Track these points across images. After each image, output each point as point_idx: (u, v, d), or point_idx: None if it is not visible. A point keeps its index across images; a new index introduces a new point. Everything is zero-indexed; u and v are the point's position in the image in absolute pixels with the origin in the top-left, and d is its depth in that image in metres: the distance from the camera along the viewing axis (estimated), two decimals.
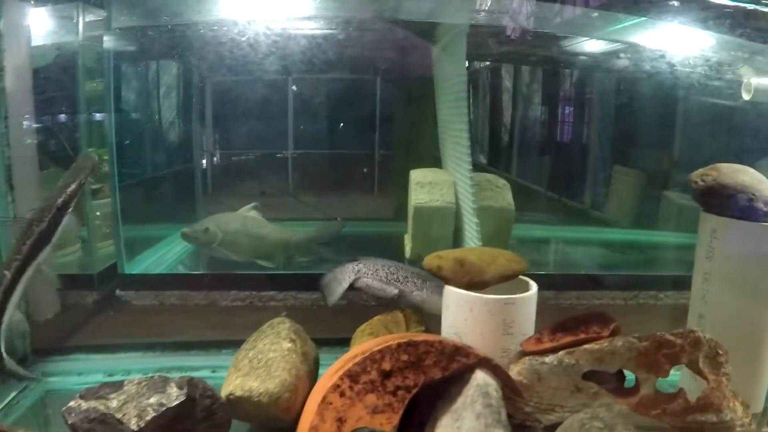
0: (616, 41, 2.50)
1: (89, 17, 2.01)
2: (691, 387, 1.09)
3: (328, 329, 1.50)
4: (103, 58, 1.99)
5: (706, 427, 1.05)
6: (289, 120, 2.94)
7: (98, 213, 2.15)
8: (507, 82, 4.31)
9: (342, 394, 0.97)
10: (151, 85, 2.59)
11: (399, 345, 0.97)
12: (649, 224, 2.89)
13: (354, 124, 3.06)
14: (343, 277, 1.40)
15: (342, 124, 2.97)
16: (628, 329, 1.13)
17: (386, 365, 0.97)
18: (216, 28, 2.16)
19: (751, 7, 2.05)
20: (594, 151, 3.79)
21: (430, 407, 1.00)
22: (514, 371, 1.09)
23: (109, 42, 2.04)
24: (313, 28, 2.28)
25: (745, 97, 2.31)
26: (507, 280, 1.19)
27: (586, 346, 1.06)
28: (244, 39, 2.14)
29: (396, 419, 0.94)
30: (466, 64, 4.14)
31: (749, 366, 1.22)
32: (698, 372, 1.07)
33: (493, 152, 4.40)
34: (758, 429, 1.14)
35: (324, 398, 0.97)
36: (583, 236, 3.02)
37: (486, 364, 0.97)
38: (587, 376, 1.10)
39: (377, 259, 1.44)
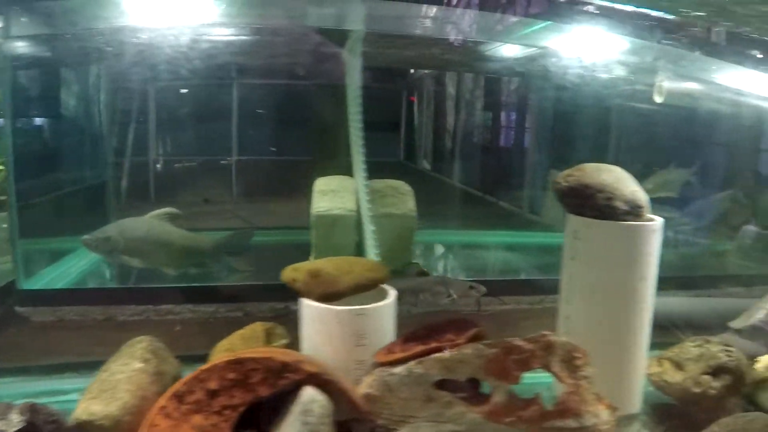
0: (535, 46, 2.47)
1: None
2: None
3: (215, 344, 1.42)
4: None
5: None
6: (206, 126, 2.85)
7: (4, 225, 2.04)
8: (450, 89, 4.29)
9: (168, 416, 0.90)
10: (56, 93, 2.48)
11: (226, 363, 0.90)
12: None
13: (269, 130, 2.99)
14: None
15: (252, 130, 2.90)
16: (524, 335, 1.07)
17: (212, 384, 0.90)
18: (123, 34, 2.08)
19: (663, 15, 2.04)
20: (531, 156, 3.77)
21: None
22: (365, 383, 1.02)
23: (8, 48, 1.94)
24: (225, 35, 2.21)
25: (657, 99, 2.30)
26: (365, 290, 1.12)
27: (436, 355, 1.00)
28: (151, 45, 2.06)
29: None
30: (407, 72, 4.11)
31: (617, 367, 1.17)
32: (555, 376, 1.01)
33: (435, 158, 4.37)
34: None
35: (151, 420, 0.91)
36: (515, 240, 2.98)
37: (316, 379, 0.90)
38: (444, 384, 1.04)
39: None
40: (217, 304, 1.77)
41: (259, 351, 0.95)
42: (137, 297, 1.81)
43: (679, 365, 1.22)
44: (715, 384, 1.16)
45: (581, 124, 3.32)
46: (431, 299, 1.40)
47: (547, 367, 1.01)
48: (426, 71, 4.06)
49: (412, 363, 1.01)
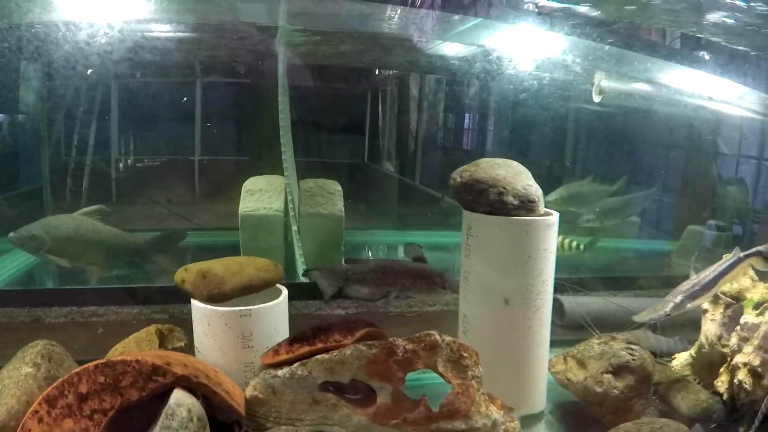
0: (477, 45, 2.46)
1: None
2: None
3: None
4: None
5: None
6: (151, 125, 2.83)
7: None
8: (413, 91, 4.29)
9: (40, 420, 0.88)
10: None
11: (96, 366, 0.89)
12: None
13: (208, 128, 2.98)
14: (335, 281, 1.35)
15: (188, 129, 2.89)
16: None
17: (83, 388, 0.88)
18: (48, 30, 2.04)
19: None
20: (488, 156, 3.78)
21: None
22: (251, 386, 1.01)
23: None
24: (162, 31, 2.18)
25: (596, 99, 2.30)
26: (257, 291, 1.11)
27: (318, 356, 0.99)
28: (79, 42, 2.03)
29: None
30: (371, 74, 4.11)
31: (517, 365, 1.17)
32: (442, 377, 1.01)
33: (398, 159, 4.39)
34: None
35: (23, 425, 0.89)
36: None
37: (187, 381, 0.89)
38: (340, 385, 1.03)
39: (368, 262, 1.39)
40: (142, 306, 1.75)
41: (133, 354, 0.93)
42: (62, 298, 1.78)
43: (582, 363, 1.22)
44: (618, 384, 1.15)
45: (537, 125, 3.34)
46: (426, 288, 1.36)
47: (432, 368, 1.00)
48: (390, 72, 4.05)
49: (295, 365, 1.00)
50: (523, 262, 1.12)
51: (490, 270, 1.14)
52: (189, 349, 1.17)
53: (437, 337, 1.00)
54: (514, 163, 1.19)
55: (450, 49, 2.40)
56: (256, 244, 1.81)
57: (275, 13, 1.88)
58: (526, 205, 1.13)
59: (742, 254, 1.30)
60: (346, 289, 1.39)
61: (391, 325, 1.65)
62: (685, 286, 1.26)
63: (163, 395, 0.89)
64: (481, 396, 1.02)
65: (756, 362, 1.21)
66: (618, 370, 1.16)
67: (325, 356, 0.98)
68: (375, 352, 0.98)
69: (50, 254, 1.83)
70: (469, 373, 1.02)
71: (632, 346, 1.18)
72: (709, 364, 1.34)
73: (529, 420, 1.19)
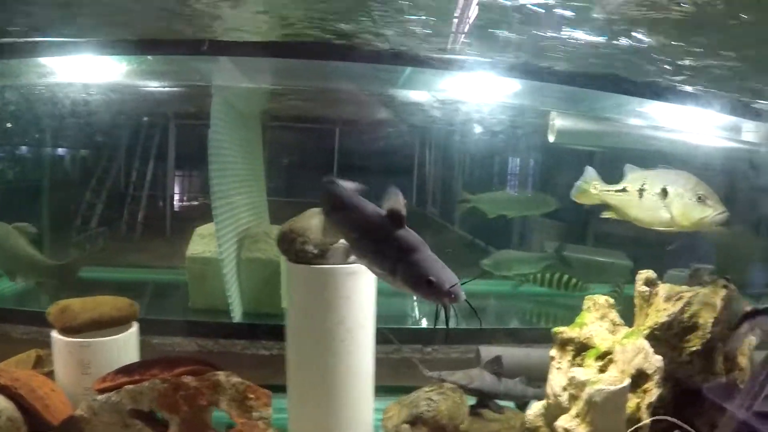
0: None
1: None
2: None
3: None
4: None
5: None
6: None
7: None
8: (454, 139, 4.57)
9: None
10: None
11: None
12: None
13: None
14: None
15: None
16: None
17: None
18: None
19: None
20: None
21: None
22: (80, 407, 1.31)
23: None
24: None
25: (551, 138, 2.41)
26: (109, 326, 1.43)
27: (127, 386, 1.29)
28: None
29: None
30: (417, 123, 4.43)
31: (330, 408, 1.35)
32: (227, 414, 1.26)
33: (443, 205, 4.70)
34: None
35: None
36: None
37: (8, 391, 1.22)
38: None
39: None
40: None
41: None
42: (26, 318, 2.19)
43: (400, 411, 1.39)
44: None
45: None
46: None
47: (215, 405, 1.26)
48: (433, 123, 4.37)
49: (113, 392, 1.30)
50: (323, 310, 1.30)
51: (298, 317, 1.34)
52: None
53: (222, 377, 1.26)
54: None
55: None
56: (202, 285, 2.14)
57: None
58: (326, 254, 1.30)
59: None
60: None
61: None
62: None
63: None
64: None
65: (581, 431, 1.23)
66: (414, 421, 1.32)
67: (131, 387, 1.28)
68: (165, 386, 1.26)
69: None
70: (255, 413, 1.27)
71: (433, 397, 1.33)
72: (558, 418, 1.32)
73: None
